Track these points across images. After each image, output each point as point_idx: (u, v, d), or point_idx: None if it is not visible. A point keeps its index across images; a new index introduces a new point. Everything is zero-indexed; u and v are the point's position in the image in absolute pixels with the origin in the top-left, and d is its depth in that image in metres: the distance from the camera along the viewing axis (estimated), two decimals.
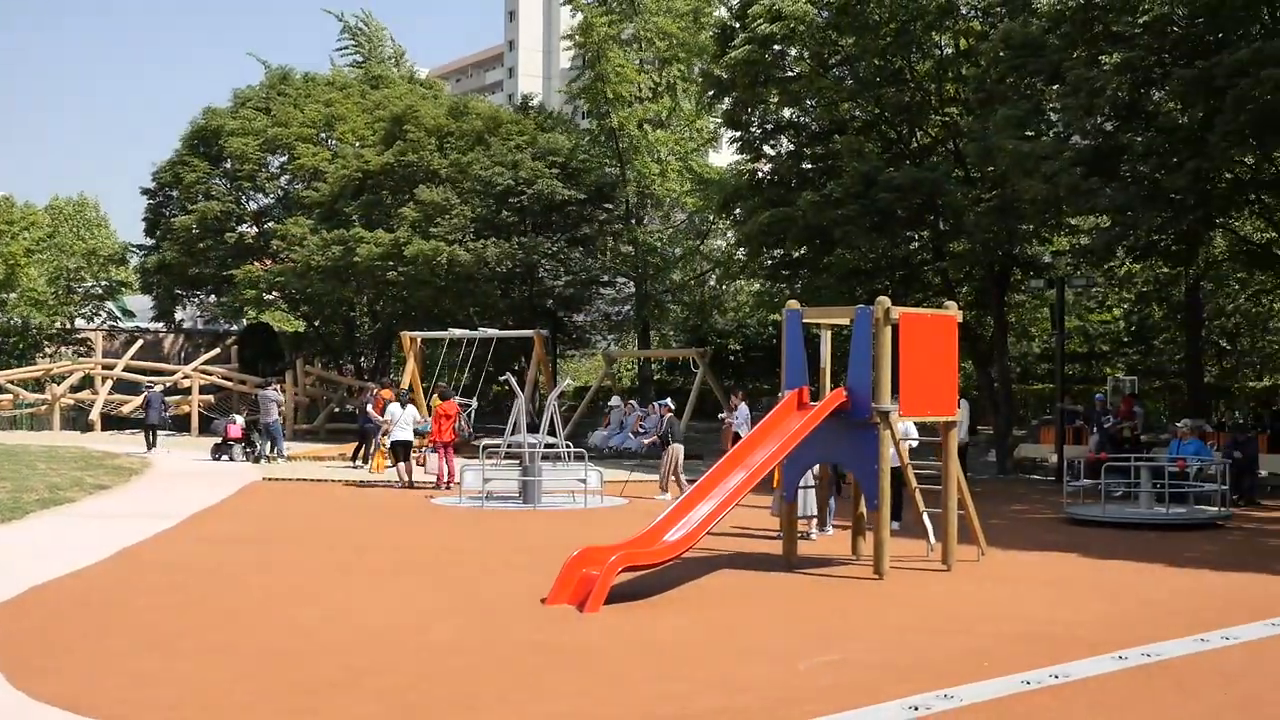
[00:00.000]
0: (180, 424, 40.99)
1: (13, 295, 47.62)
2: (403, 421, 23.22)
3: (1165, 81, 21.76)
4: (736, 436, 21.78)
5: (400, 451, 23.21)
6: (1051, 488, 23.85)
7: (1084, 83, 21.44)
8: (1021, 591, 12.22)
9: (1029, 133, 23.53)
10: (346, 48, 57.49)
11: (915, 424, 15.36)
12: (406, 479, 23.00)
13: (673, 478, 21.12)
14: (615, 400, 31.59)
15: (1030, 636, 9.82)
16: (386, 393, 29.20)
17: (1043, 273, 29.45)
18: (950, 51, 29.12)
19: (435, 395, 26.51)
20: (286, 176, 44.19)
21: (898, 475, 14.15)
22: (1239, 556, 14.84)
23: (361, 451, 27.26)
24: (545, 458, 21.00)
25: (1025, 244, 28.00)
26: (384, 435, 23.62)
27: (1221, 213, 23.50)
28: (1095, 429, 24.94)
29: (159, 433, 32.20)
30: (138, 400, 39.62)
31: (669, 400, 23.60)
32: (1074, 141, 23.13)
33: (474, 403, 30.76)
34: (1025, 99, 23.51)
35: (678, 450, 21.34)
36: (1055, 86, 22.63)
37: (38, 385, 43.53)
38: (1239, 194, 22.95)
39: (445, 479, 22.69)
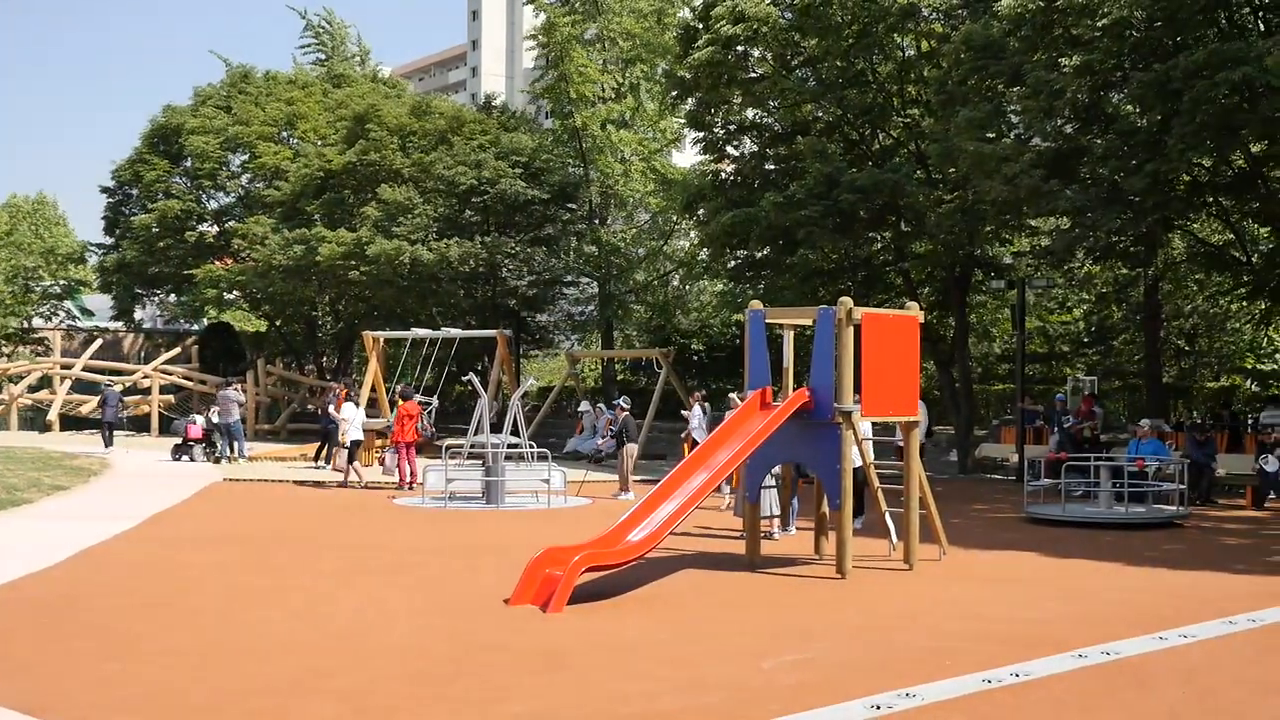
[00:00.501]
0: (140, 424, 40.72)
1: None
2: (356, 421, 23.29)
3: (1124, 84, 21.97)
4: (694, 442, 21.84)
5: (354, 452, 23.30)
6: (1012, 487, 24.03)
7: (1044, 85, 21.60)
8: (982, 590, 12.30)
9: (990, 134, 23.70)
10: (309, 46, 57.22)
11: (873, 425, 15.41)
12: (359, 478, 23.09)
13: (634, 477, 21.28)
14: (585, 405, 31.62)
15: (991, 635, 9.89)
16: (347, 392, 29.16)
17: (1003, 274, 29.67)
18: (912, 53, 29.29)
19: (397, 395, 26.45)
20: (247, 175, 43.95)
21: (860, 475, 14.24)
22: (1197, 555, 15.00)
23: (324, 452, 27.17)
24: (508, 458, 20.99)
25: (986, 245, 28.19)
26: (343, 435, 23.59)
27: (1179, 215, 23.73)
28: (1055, 429, 25.15)
29: (114, 432, 32.06)
30: (96, 400, 39.37)
31: (623, 400, 23.67)
32: (1034, 143, 23.30)
33: (434, 401, 30.67)
34: (986, 101, 23.66)
35: (633, 450, 21.57)
36: (1016, 89, 22.78)
37: None
38: (1197, 196, 23.19)
39: (407, 479, 22.65)
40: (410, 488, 22.40)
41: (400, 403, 23.74)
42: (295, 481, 23.81)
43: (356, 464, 23.27)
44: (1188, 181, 22.67)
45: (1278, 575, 13.36)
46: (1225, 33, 21.49)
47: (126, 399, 42.17)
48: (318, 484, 23.45)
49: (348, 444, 23.37)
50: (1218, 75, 19.06)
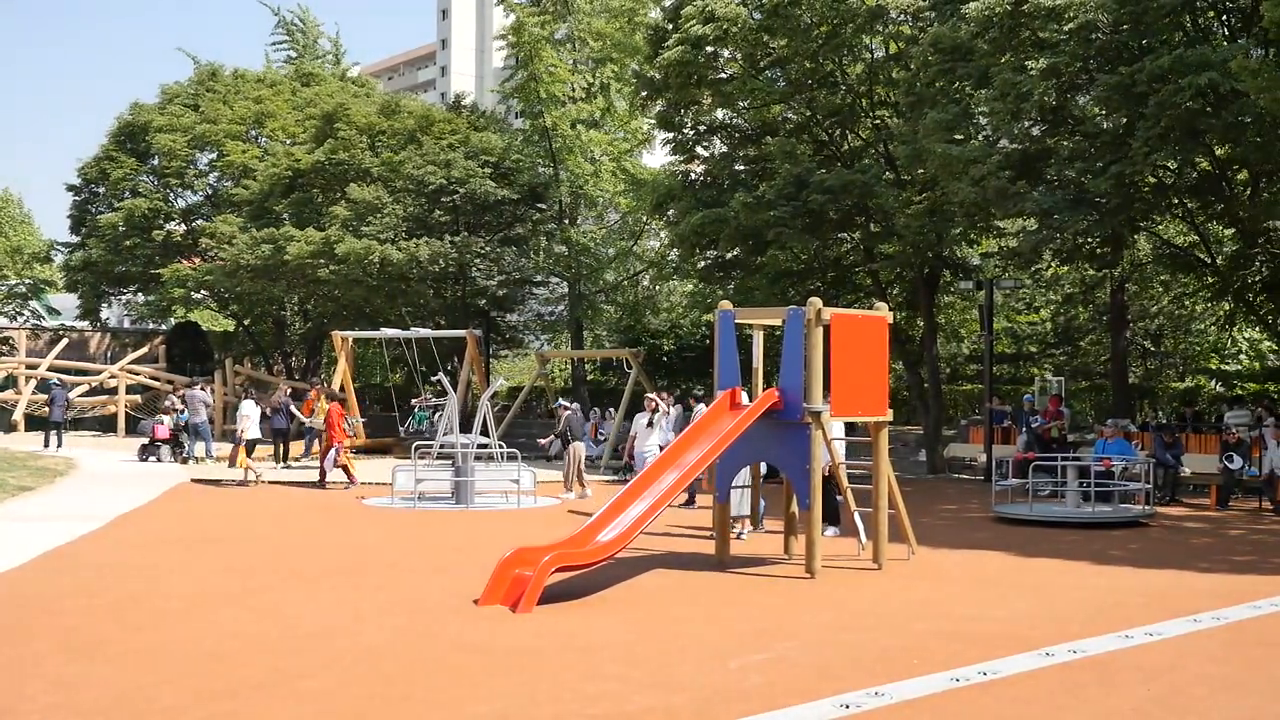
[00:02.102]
0: (107, 424, 40.45)
1: None
2: (255, 418, 23.36)
3: (1090, 87, 22.10)
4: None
5: (251, 449, 23.62)
6: (980, 487, 24.16)
7: (1011, 87, 21.71)
8: (951, 590, 12.36)
9: (958, 136, 23.79)
10: (281, 43, 56.92)
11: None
12: (257, 475, 23.43)
13: (575, 477, 21.41)
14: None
15: (959, 634, 9.94)
16: (317, 393, 29.14)
17: (971, 274, 29.80)
18: (881, 55, 29.36)
19: (323, 398, 26.54)
20: (215, 174, 43.70)
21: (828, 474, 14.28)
22: (1162, 554, 15.12)
23: (311, 450, 27.47)
24: (478, 458, 20.97)
25: (954, 246, 28.31)
26: (242, 432, 23.67)
27: (1145, 216, 23.89)
28: (1023, 429, 25.28)
29: (61, 431, 32.06)
30: (44, 400, 39.13)
31: (564, 400, 23.72)
32: (1002, 145, 23.42)
33: (452, 396, 30.71)
34: (954, 103, 23.76)
35: (579, 449, 21.67)
36: (983, 91, 22.88)
37: None
38: (1161, 198, 23.36)
39: (353, 479, 22.91)
40: (323, 486, 22.79)
41: (330, 404, 23.92)
42: (258, 482, 23.75)
43: (251, 462, 23.57)
44: (1153, 184, 22.84)
45: (1242, 574, 13.50)
46: (1190, 36, 21.67)
47: (92, 399, 41.94)
48: (286, 483, 23.40)
49: (243, 441, 23.59)
50: (1182, 80, 19.22)
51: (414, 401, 32.98)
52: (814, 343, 12.94)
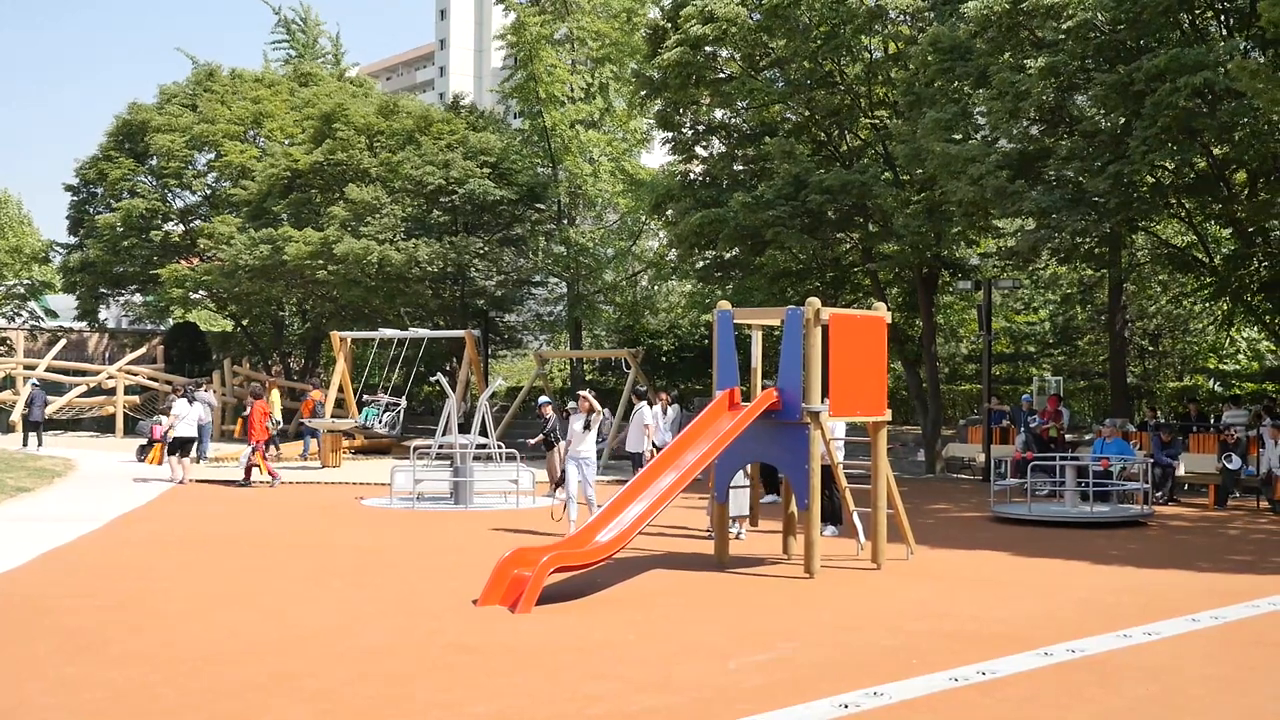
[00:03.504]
0: (105, 425, 40.44)
1: None
2: (188, 418, 23.33)
3: (1088, 86, 22.13)
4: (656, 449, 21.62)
5: (181, 447, 23.49)
6: (979, 487, 24.17)
7: (1010, 87, 21.73)
8: (949, 589, 12.36)
9: (956, 136, 23.80)
10: (281, 42, 56.90)
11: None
12: (183, 475, 23.29)
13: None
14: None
15: (958, 634, 9.95)
16: (317, 393, 29.14)
17: (970, 274, 29.82)
18: (879, 55, 29.38)
19: (248, 394, 26.58)
20: (214, 174, 43.68)
21: (828, 474, 14.28)
22: (1160, 554, 15.13)
23: (309, 451, 27.47)
24: (477, 458, 20.97)
25: (953, 246, 28.34)
26: (169, 430, 23.69)
27: (1143, 216, 23.91)
28: (1021, 429, 25.30)
29: (39, 430, 32.21)
30: (61, 401, 39.10)
31: (546, 398, 23.72)
32: (1000, 145, 23.44)
33: (403, 402, 30.62)
34: (953, 102, 23.78)
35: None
36: (982, 90, 22.91)
37: None
38: (1159, 198, 23.38)
39: (268, 477, 23.19)
40: (247, 484, 22.93)
41: (253, 401, 23.92)
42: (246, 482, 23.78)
43: (186, 460, 23.57)
44: (1151, 183, 22.86)
45: (1240, 574, 13.51)
46: (1187, 35, 21.69)
47: (91, 399, 41.90)
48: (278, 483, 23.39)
49: (169, 439, 23.68)
50: (1179, 79, 19.24)
51: (365, 397, 32.92)
52: (812, 343, 12.95)
